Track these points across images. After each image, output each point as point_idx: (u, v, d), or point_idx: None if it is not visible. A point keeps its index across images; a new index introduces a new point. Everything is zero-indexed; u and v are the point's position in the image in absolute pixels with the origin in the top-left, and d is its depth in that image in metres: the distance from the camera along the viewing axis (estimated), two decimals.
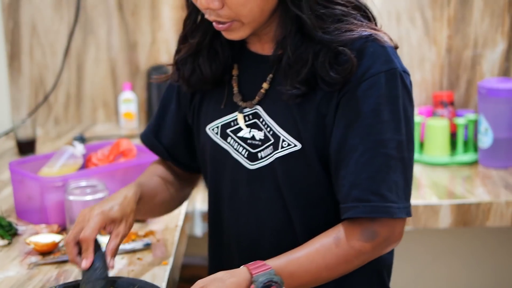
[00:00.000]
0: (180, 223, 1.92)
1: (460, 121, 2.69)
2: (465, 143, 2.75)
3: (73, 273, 1.62)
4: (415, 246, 2.96)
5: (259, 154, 1.44)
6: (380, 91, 1.31)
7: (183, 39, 1.52)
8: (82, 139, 2.68)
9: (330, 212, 1.40)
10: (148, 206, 1.55)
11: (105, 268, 1.39)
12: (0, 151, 2.75)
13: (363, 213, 1.31)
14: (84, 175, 1.89)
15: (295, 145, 1.38)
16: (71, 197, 1.80)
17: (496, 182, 2.48)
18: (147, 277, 1.53)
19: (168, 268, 1.63)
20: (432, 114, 2.83)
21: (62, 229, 1.86)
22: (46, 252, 1.71)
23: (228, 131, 1.49)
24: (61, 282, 1.56)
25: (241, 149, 1.46)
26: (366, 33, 1.33)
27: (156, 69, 2.99)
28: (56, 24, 3.04)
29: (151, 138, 1.66)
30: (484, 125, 2.62)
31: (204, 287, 1.29)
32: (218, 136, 1.50)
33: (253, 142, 1.44)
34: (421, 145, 2.74)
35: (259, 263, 1.32)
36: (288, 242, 1.41)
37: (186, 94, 1.59)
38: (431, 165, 2.63)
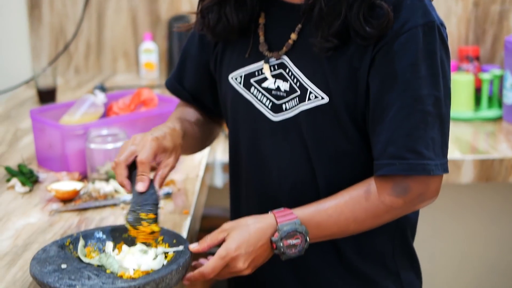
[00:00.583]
0: (201, 173, 1.91)
1: (485, 76, 2.65)
2: (490, 99, 2.71)
3: (94, 221, 1.62)
4: (436, 200, 2.94)
5: (283, 106, 1.41)
6: (417, 46, 1.27)
7: None
8: (102, 89, 2.67)
9: (355, 168, 1.38)
10: (187, 142, 1.52)
11: (157, 193, 1.38)
12: (20, 99, 2.75)
13: (399, 170, 1.29)
14: (105, 123, 1.88)
15: (323, 98, 1.35)
16: (92, 145, 1.80)
17: None
18: (167, 226, 1.52)
19: (189, 217, 1.63)
20: (457, 69, 2.79)
21: (83, 177, 1.86)
22: (67, 199, 1.71)
23: (252, 80, 1.46)
24: (83, 229, 1.56)
25: (264, 99, 1.43)
26: None
27: (178, 19, 2.95)
28: None
29: (175, 83, 1.63)
30: (509, 80, 2.58)
31: (229, 230, 1.28)
32: (241, 85, 1.47)
33: (278, 93, 1.41)
34: None
35: (286, 211, 1.31)
36: (309, 196, 1.39)
37: (209, 41, 1.56)
38: (455, 120, 2.60)
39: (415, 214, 1.48)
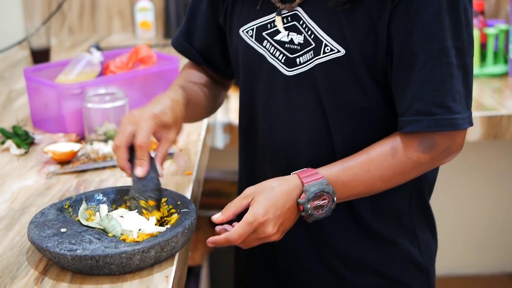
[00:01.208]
0: (203, 132, 1.85)
1: (491, 31, 2.58)
2: (495, 54, 2.64)
3: (93, 183, 1.55)
4: None
5: (297, 60, 1.34)
6: None
7: None
8: (98, 48, 2.58)
9: (372, 124, 1.31)
10: (191, 111, 1.46)
11: (158, 177, 1.32)
12: (13, 60, 2.67)
13: (427, 127, 1.23)
14: (102, 82, 1.81)
15: (339, 51, 1.28)
16: (90, 105, 1.73)
17: None
18: (170, 187, 1.46)
19: (192, 178, 1.57)
20: None
21: (81, 138, 1.79)
22: (65, 161, 1.65)
23: (264, 34, 1.39)
24: (81, 191, 1.50)
25: (277, 53, 1.36)
26: None
27: None
28: None
29: (183, 42, 1.56)
30: None
31: (253, 195, 1.23)
32: (253, 39, 1.40)
33: (291, 46, 1.34)
34: None
35: (310, 171, 1.25)
36: (325, 153, 1.34)
37: None
38: None
39: (434, 171, 1.42)
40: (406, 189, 1.38)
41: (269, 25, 1.38)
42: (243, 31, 1.42)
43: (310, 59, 1.32)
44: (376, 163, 1.26)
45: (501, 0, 2.83)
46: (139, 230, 1.24)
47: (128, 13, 3.01)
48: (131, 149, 1.31)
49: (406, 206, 1.40)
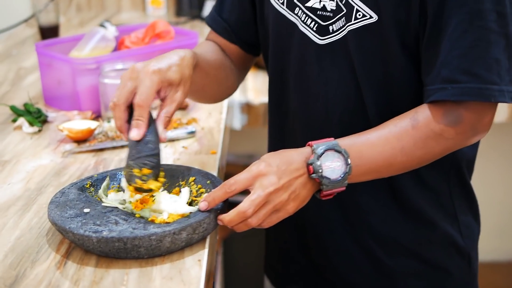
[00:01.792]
0: (224, 110, 1.76)
1: None
2: None
3: (113, 162, 1.47)
4: None
5: (330, 28, 1.25)
6: None
7: None
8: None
9: (406, 97, 1.23)
10: (202, 78, 1.34)
11: (157, 141, 1.17)
12: (20, 38, 2.57)
13: (451, 95, 1.13)
14: (120, 56, 1.72)
15: (371, 17, 1.19)
16: (107, 80, 1.64)
17: None
18: (195, 166, 1.37)
19: (217, 157, 1.48)
20: None
21: (96, 116, 1.70)
22: (81, 139, 1.56)
23: (295, 0, 1.30)
24: (100, 171, 1.41)
25: (309, 21, 1.28)
26: None
27: None
28: None
29: (215, 16, 1.47)
30: None
31: (264, 160, 1.13)
32: (284, 6, 1.31)
33: (324, 13, 1.26)
34: None
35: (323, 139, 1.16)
36: (359, 124, 1.25)
37: None
38: None
39: (472, 148, 1.33)
40: (444, 168, 1.29)
41: None
42: None
43: (343, 26, 1.23)
44: (396, 134, 1.16)
45: None
46: (171, 210, 1.15)
47: None
48: (132, 108, 1.17)
49: (445, 186, 1.31)
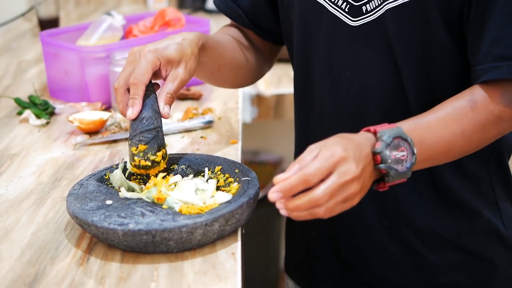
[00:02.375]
0: (240, 99, 1.68)
1: None
2: None
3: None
4: None
5: (363, 8, 1.17)
6: None
7: None
8: None
9: (448, 79, 1.15)
10: (216, 60, 1.28)
11: (155, 117, 1.12)
12: (19, 32, 2.48)
13: (508, 73, 1.06)
14: (130, 44, 1.63)
15: None
16: (118, 69, 1.55)
17: None
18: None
19: (238, 146, 1.40)
20: None
21: (107, 107, 1.62)
22: (93, 131, 1.48)
23: None
24: (116, 162, 1.33)
25: (340, 2, 1.19)
26: None
27: None
28: None
29: (227, 1, 1.38)
30: None
31: (321, 146, 0.99)
32: None
33: None
34: None
35: (380, 125, 1.06)
36: (398, 112, 1.17)
37: None
38: None
39: None
40: (485, 153, 1.21)
41: None
42: None
43: (379, 5, 1.15)
44: (455, 117, 1.07)
45: None
46: (200, 200, 1.07)
47: None
48: None
49: (485, 173, 1.23)
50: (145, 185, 1.16)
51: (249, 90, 2.12)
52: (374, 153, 1.01)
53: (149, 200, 1.08)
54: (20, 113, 1.60)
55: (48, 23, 2.31)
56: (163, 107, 1.13)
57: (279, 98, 2.09)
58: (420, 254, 1.24)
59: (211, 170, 1.18)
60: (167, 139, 1.44)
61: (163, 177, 1.14)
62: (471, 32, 1.10)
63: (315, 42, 1.25)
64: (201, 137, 1.45)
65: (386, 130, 1.02)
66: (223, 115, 1.57)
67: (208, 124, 1.50)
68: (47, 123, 1.55)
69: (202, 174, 1.18)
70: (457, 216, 1.22)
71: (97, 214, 1.03)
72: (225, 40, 1.35)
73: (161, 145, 1.14)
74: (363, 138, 1.02)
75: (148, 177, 1.16)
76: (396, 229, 1.24)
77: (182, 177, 1.18)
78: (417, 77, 1.16)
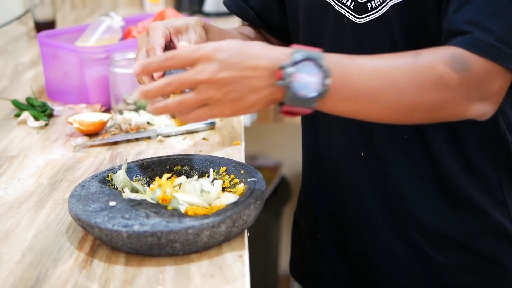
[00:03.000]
0: None
1: None
2: None
3: (129, 156, 1.36)
4: None
5: (368, 5, 1.15)
6: None
7: None
8: None
9: None
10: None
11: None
12: (14, 35, 2.46)
13: (458, 43, 0.99)
14: (130, 45, 1.61)
15: None
16: (117, 70, 1.53)
17: None
18: None
19: (241, 148, 1.37)
20: None
21: (106, 110, 1.59)
22: (93, 132, 1.45)
23: None
24: (117, 164, 1.30)
25: None
26: None
27: None
28: None
29: (238, 2, 1.37)
30: None
31: (220, 44, 0.95)
32: None
33: None
34: None
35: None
36: None
37: None
38: None
39: None
40: (494, 151, 1.18)
41: None
42: None
43: (383, 2, 1.13)
44: (392, 64, 0.98)
45: None
46: (205, 201, 1.05)
47: None
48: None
49: (494, 172, 1.21)
50: (149, 186, 1.13)
51: None
52: (279, 68, 0.94)
53: (153, 202, 1.06)
54: (18, 115, 1.57)
55: (44, 26, 2.29)
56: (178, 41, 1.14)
57: None
58: (428, 255, 1.21)
59: (216, 171, 1.16)
60: (168, 141, 1.42)
61: (168, 178, 1.11)
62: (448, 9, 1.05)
63: (321, 39, 1.23)
64: (203, 138, 1.42)
65: (303, 50, 0.95)
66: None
67: (210, 126, 1.47)
68: (46, 125, 1.52)
69: (206, 175, 1.16)
70: (465, 216, 1.20)
71: (100, 215, 1.00)
72: (235, 32, 1.34)
73: None
74: (273, 51, 0.95)
75: (151, 178, 1.13)
76: (403, 229, 1.21)
77: (187, 178, 1.15)
78: None
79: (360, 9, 1.16)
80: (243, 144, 1.40)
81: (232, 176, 1.14)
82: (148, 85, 0.97)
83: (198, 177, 1.15)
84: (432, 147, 1.16)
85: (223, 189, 1.11)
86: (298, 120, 1.36)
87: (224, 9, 2.25)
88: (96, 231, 0.99)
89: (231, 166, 1.15)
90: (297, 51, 0.94)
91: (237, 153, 1.35)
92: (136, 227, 0.96)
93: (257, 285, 2.53)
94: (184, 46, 1.00)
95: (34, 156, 1.36)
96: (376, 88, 0.97)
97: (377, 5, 1.14)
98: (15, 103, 1.61)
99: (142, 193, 1.09)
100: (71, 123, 1.45)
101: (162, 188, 1.07)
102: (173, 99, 0.96)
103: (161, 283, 0.93)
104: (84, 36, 1.75)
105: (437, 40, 1.10)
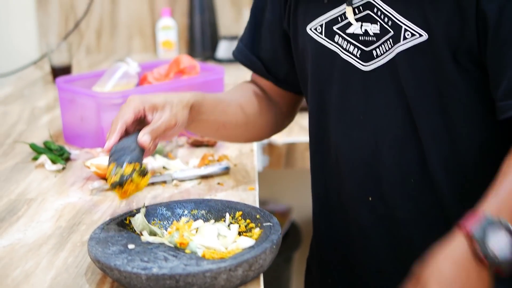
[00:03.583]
0: (255, 147, 1.68)
1: None
2: None
3: (145, 199, 1.38)
4: None
5: (374, 52, 1.19)
6: None
7: None
8: None
9: (461, 116, 1.16)
10: (219, 116, 1.34)
11: (131, 144, 1.16)
12: (31, 79, 2.50)
13: None
14: (146, 91, 1.64)
15: (421, 35, 1.13)
16: None
17: None
18: None
19: (256, 193, 1.40)
20: None
21: None
22: None
23: (335, 28, 1.24)
24: (133, 207, 1.32)
25: (351, 48, 1.21)
26: None
27: None
28: None
29: (248, 54, 1.41)
30: None
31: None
32: (323, 35, 1.25)
33: (366, 38, 1.20)
34: None
35: (465, 218, 1.04)
36: (413, 154, 1.18)
37: None
38: None
39: None
40: None
41: (339, 18, 1.23)
42: (311, 28, 1.27)
43: (390, 49, 1.17)
44: None
45: None
46: (222, 245, 1.07)
47: (149, 32, 2.85)
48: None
49: None
50: (166, 229, 1.15)
51: None
52: (480, 258, 1.00)
53: (171, 245, 1.08)
54: (35, 159, 1.60)
55: (60, 71, 2.33)
56: (141, 135, 1.17)
57: (291, 147, 2.10)
58: None
59: (231, 215, 1.18)
60: (184, 185, 1.44)
61: (186, 222, 1.14)
62: (491, 67, 1.11)
63: (329, 87, 1.27)
64: (218, 183, 1.45)
65: (476, 227, 1.00)
66: (239, 161, 1.57)
67: (225, 171, 1.49)
68: (63, 168, 1.55)
69: (223, 219, 1.18)
70: None
71: (119, 258, 1.03)
72: (231, 97, 1.39)
73: (132, 161, 1.15)
74: (456, 248, 1.01)
75: (169, 221, 1.16)
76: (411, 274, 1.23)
77: (203, 222, 1.17)
78: (431, 117, 1.16)
79: (366, 57, 1.20)
80: (257, 189, 1.42)
81: (247, 220, 1.16)
82: None
83: (215, 221, 1.18)
84: (441, 192, 1.19)
85: (239, 233, 1.13)
86: (308, 165, 1.38)
87: None
88: (115, 274, 1.01)
89: (247, 211, 1.18)
90: (474, 232, 1.00)
91: (252, 198, 1.37)
92: (155, 270, 0.98)
93: None
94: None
95: (52, 199, 1.38)
96: None
97: (382, 52, 1.18)
98: (33, 146, 1.64)
99: (160, 236, 1.11)
100: (88, 167, 1.47)
101: (180, 231, 1.09)
102: None
103: None
104: (101, 82, 1.79)
105: (445, 84, 1.13)
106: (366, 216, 1.25)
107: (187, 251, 1.06)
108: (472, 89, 1.15)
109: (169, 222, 1.18)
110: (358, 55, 1.21)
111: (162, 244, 1.08)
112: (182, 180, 1.46)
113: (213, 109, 1.32)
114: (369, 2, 1.19)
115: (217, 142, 1.69)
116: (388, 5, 1.17)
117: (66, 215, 1.31)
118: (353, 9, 1.21)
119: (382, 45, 1.18)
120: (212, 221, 1.18)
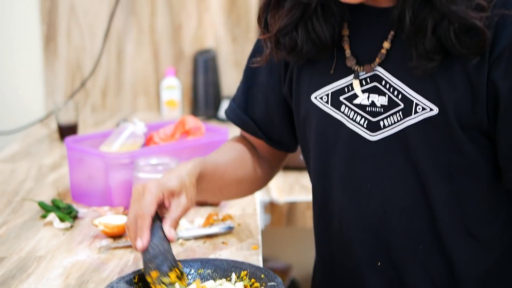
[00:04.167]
0: (258, 207, 1.73)
1: None
2: None
3: None
4: None
5: (381, 123, 1.23)
6: None
7: (276, 4, 1.28)
8: None
9: (472, 185, 1.20)
10: (216, 182, 1.39)
11: (162, 243, 1.20)
12: (37, 137, 2.55)
13: None
14: (153, 151, 1.70)
15: (431, 110, 1.18)
16: (141, 175, 1.61)
17: None
18: None
19: (259, 251, 1.44)
20: None
21: None
22: (117, 235, 1.52)
23: (341, 98, 1.27)
24: (140, 267, 1.36)
25: (358, 118, 1.25)
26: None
27: (202, 53, 2.80)
28: (96, 5, 2.83)
29: (240, 114, 1.44)
30: None
31: None
32: (329, 105, 1.28)
33: (373, 109, 1.23)
34: None
35: None
36: (424, 222, 1.22)
37: (277, 63, 1.37)
38: None
39: None
40: None
41: (346, 89, 1.27)
42: (316, 97, 1.30)
43: (399, 121, 1.21)
44: None
45: None
46: None
47: (153, 91, 2.91)
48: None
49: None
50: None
51: (262, 197, 2.17)
52: None
53: None
54: (44, 217, 1.64)
55: (67, 129, 2.38)
56: (168, 231, 1.21)
57: (292, 206, 2.14)
58: None
59: (237, 274, 1.22)
60: (189, 244, 1.48)
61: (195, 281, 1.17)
62: (501, 140, 1.17)
63: (334, 155, 1.29)
64: (223, 242, 1.49)
65: None
66: (242, 221, 1.61)
67: (229, 230, 1.53)
68: (71, 226, 1.59)
69: (228, 278, 1.21)
70: None
71: None
72: (227, 159, 1.42)
73: (172, 266, 1.19)
74: None
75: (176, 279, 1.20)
76: None
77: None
78: (442, 186, 1.20)
79: (373, 127, 1.24)
80: (261, 248, 1.46)
81: (252, 280, 1.19)
82: None
83: (220, 280, 1.21)
84: (450, 257, 1.22)
85: None
86: (310, 223, 1.42)
87: None
88: None
89: (252, 271, 1.21)
90: None
91: (255, 257, 1.41)
92: None
93: None
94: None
95: (61, 257, 1.42)
96: None
97: (390, 123, 1.22)
98: (42, 204, 1.69)
99: None
100: (96, 226, 1.51)
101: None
102: None
103: None
104: (109, 141, 1.84)
105: (456, 154, 1.18)
106: (374, 281, 1.27)
107: None
108: (480, 157, 1.19)
109: (178, 279, 1.21)
110: (364, 125, 1.25)
111: None
112: (187, 239, 1.50)
113: (212, 176, 1.36)
114: (377, 74, 1.23)
115: (220, 201, 1.73)
116: (398, 79, 1.21)
117: (74, 273, 1.35)
118: (360, 80, 1.25)
119: (390, 117, 1.22)
120: (218, 280, 1.21)
